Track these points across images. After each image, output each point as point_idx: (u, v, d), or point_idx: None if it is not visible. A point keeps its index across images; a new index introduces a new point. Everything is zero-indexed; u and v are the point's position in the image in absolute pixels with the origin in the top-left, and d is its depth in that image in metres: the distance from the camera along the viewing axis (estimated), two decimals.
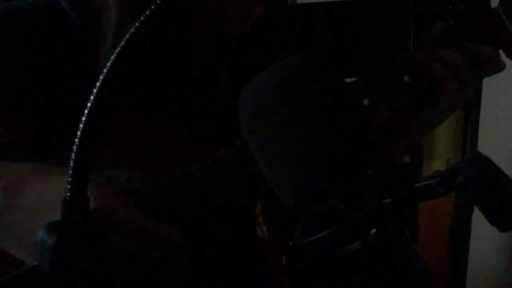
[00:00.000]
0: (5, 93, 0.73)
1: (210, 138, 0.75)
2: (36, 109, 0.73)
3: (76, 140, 0.40)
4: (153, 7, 0.40)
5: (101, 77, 0.40)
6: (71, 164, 0.40)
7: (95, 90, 0.40)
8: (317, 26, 1.74)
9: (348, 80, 0.77)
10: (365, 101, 0.78)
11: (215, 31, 0.78)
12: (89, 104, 0.40)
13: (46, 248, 0.39)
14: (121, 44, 0.40)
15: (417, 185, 0.47)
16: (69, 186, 0.40)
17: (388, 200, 0.46)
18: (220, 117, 0.75)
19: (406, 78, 0.79)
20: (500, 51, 0.83)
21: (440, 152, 2.03)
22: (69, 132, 0.41)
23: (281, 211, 0.87)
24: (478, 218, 0.44)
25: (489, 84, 0.84)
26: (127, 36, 0.40)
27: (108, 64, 0.40)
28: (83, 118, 0.40)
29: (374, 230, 0.45)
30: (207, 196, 0.73)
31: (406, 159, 1.97)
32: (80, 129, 0.40)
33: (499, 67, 0.81)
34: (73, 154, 0.40)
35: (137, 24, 0.40)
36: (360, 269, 0.46)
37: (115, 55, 0.40)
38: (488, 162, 0.44)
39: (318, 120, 0.46)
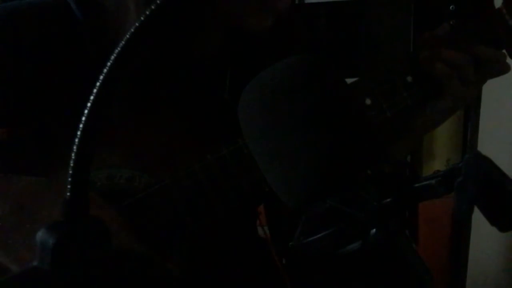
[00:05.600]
0: (7, 92, 0.73)
1: (213, 138, 0.75)
2: (37, 109, 0.73)
3: (76, 140, 0.40)
4: (153, 6, 0.39)
5: (102, 76, 0.40)
6: (71, 164, 0.40)
7: (95, 89, 0.40)
8: (318, 25, 1.74)
9: (348, 80, 0.77)
10: (368, 101, 0.77)
11: (236, 27, 0.77)
12: (89, 104, 0.40)
13: (46, 248, 0.39)
14: (122, 43, 0.40)
15: (417, 185, 0.47)
16: (69, 186, 0.40)
17: (388, 200, 0.46)
18: (223, 117, 0.75)
19: (409, 78, 0.79)
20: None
21: (440, 152, 2.03)
22: (70, 131, 0.41)
23: (284, 211, 0.87)
24: (478, 218, 0.44)
25: (489, 84, 0.84)
26: (128, 34, 0.40)
27: (109, 63, 0.40)
28: (83, 118, 0.40)
29: (374, 230, 0.45)
30: (209, 196, 0.73)
31: (407, 159, 1.96)
32: (80, 128, 0.40)
33: (504, 69, 0.80)
34: (73, 154, 0.40)
35: (138, 23, 0.40)
36: (360, 269, 0.46)
37: (116, 53, 0.40)
38: (488, 162, 0.44)
39: (317, 120, 0.46)
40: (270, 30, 0.76)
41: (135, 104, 0.73)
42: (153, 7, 0.39)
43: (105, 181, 0.71)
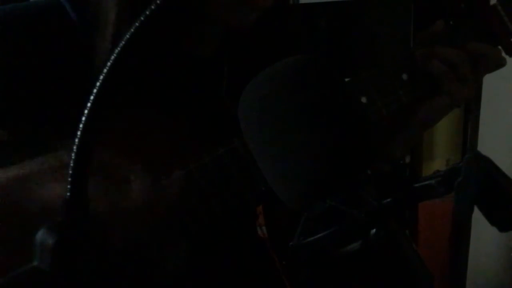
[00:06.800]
0: (6, 93, 0.73)
1: (210, 138, 0.75)
2: (36, 109, 0.73)
3: (76, 140, 0.40)
4: (153, 6, 0.40)
5: (101, 77, 0.40)
6: (71, 164, 0.40)
7: (95, 90, 0.40)
8: (317, 26, 1.74)
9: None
10: (363, 99, 0.77)
11: (220, 25, 0.77)
12: (89, 104, 0.40)
13: (46, 248, 0.39)
14: (121, 43, 0.40)
15: (417, 185, 0.47)
16: (69, 186, 0.40)
17: (388, 200, 0.46)
18: (220, 117, 0.75)
19: (405, 76, 0.79)
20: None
21: (440, 152, 2.03)
22: (69, 132, 0.41)
23: (282, 211, 0.87)
24: (478, 218, 0.44)
25: (489, 84, 0.84)
26: (128, 34, 0.40)
27: (109, 63, 0.40)
28: (83, 118, 0.40)
29: (374, 230, 0.45)
30: (206, 196, 0.73)
31: (406, 159, 1.97)
32: (80, 129, 0.40)
33: (500, 63, 0.81)
34: (73, 154, 0.40)
35: (138, 22, 0.40)
36: (360, 269, 0.46)
37: (116, 53, 0.40)
38: (488, 162, 0.44)
39: (317, 120, 0.46)
40: (261, 28, 0.76)
41: (131, 104, 0.73)
42: (152, 7, 0.39)
43: (102, 182, 0.71)
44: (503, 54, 0.82)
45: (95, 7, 0.73)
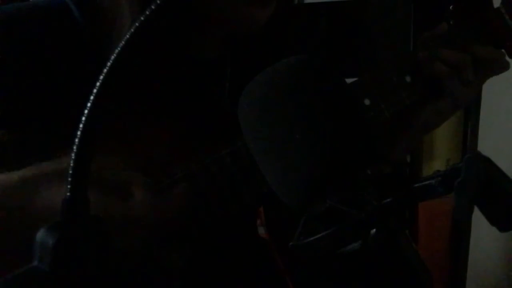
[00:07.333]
0: (7, 93, 0.73)
1: (211, 139, 0.75)
2: (37, 111, 0.73)
3: (76, 140, 0.40)
4: (152, 7, 0.39)
5: (102, 77, 0.40)
6: (71, 164, 0.40)
7: (95, 90, 0.40)
8: (317, 26, 1.74)
9: (348, 80, 0.77)
10: (366, 101, 0.77)
11: (224, 32, 0.77)
12: (89, 104, 0.40)
13: (46, 248, 0.39)
14: (121, 45, 0.40)
15: (417, 185, 0.47)
16: (69, 186, 0.40)
17: (388, 200, 0.46)
18: (222, 119, 0.75)
19: (408, 78, 0.79)
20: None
21: (440, 152, 2.03)
22: (70, 131, 0.41)
23: (282, 211, 0.87)
24: (478, 218, 0.44)
25: (489, 84, 0.84)
26: (127, 36, 0.40)
27: (109, 64, 0.40)
28: (83, 118, 0.40)
29: (374, 230, 0.45)
30: (208, 197, 0.73)
31: (406, 159, 1.97)
32: (80, 129, 0.40)
33: (503, 67, 0.81)
34: (73, 154, 0.40)
35: (137, 24, 0.40)
36: (360, 269, 0.46)
37: (115, 54, 0.40)
38: (488, 162, 0.44)
39: (318, 120, 0.46)
40: (262, 28, 0.76)
41: (133, 106, 0.73)
42: (153, 7, 0.39)
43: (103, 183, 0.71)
44: (507, 57, 0.82)
45: (107, 12, 0.73)
